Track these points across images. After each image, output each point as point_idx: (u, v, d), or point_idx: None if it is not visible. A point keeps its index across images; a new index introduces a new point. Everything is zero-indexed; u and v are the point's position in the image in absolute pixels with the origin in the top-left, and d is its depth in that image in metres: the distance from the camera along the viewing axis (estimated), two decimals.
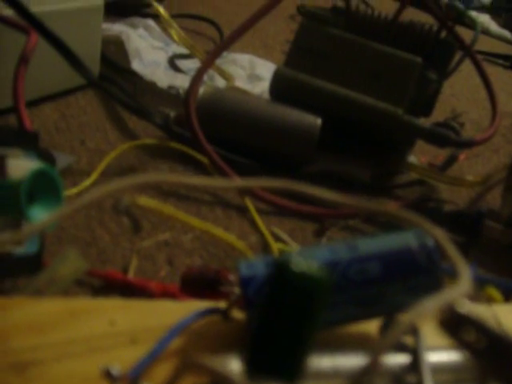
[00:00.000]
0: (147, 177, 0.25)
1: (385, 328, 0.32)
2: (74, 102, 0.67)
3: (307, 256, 0.32)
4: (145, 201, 0.43)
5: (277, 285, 0.17)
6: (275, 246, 0.47)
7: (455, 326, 0.20)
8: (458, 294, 0.20)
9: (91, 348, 0.31)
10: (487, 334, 0.19)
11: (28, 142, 0.38)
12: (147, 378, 0.28)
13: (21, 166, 0.33)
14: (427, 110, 0.66)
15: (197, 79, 0.58)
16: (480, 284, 0.42)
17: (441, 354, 0.31)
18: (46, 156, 0.39)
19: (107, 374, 0.27)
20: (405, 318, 0.19)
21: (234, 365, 0.26)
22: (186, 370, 0.22)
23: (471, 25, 1.03)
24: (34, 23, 0.52)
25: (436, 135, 0.60)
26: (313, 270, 0.17)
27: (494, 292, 0.41)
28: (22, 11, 0.52)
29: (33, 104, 0.62)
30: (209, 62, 0.60)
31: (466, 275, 0.21)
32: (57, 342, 0.31)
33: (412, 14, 0.71)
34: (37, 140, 0.39)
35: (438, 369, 0.30)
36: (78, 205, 0.26)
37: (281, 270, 0.17)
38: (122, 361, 0.30)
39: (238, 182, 0.29)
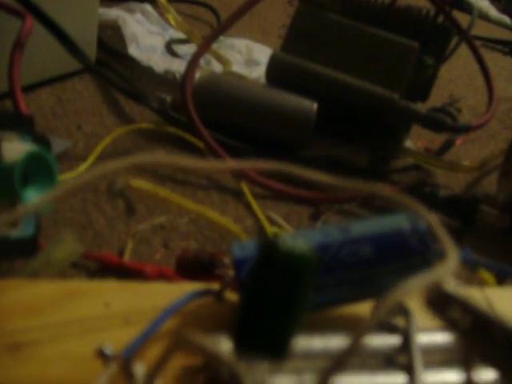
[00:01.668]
0: (142, 158, 0.25)
1: (376, 309, 0.32)
2: (71, 86, 0.67)
3: (299, 238, 0.32)
4: (138, 183, 0.44)
5: (264, 263, 0.17)
6: (270, 230, 0.47)
7: (441, 304, 0.21)
8: (444, 272, 0.20)
9: (86, 329, 0.31)
10: (472, 312, 0.20)
11: (23, 125, 0.38)
12: (140, 358, 0.29)
13: (15, 148, 0.33)
14: (424, 95, 0.66)
15: (193, 63, 0.58)
16: (473, 267, 0.42)
17: (431, 335, 0.31)
18: (42, 140, 0.39)
19: (101, 354, 0.27)
20: (391, 296, 0.19)
21: (225, 344, 0.27)
22: (177, 348, 0.22)
23: (469, 9, 1.03)
24: (29, 7, 0.51)
25: (432, 120, 0.60)
26: (300, 248, 0.17)
27: (486, 275, 0.42)
28: None
29: (29, 88, 0.62)
30: (205, 46, 0.60)
31: (453, 255, 0.22)
32: (52, 323, 0.32)
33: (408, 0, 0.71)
34: (32, 124, 0.39)
35: (429, 349, 0.30)
36: (72, 186, 0.26)
37: (268, 248, 0.17)
38: (115, 341, 0.30)
39: (233, 163, 0.30)
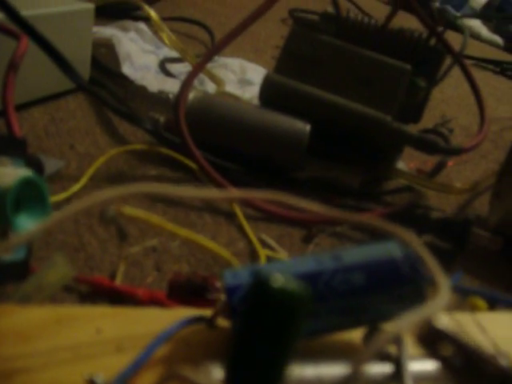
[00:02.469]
0: (138, 187, 0.25)
1: (368, 337, 0.32)
2: (64, 105, 0.67)
3: (291, 266, 0.32)
4: (131, 210, 0.44)
5: (255, 300, 0.17)
6: (263, 253, 0.47)
7: (432, 340, 0.21)
8: (437, 308, 0.20)
9: (77, 356, 0.31)
10: (463, 349, 0.20)
11: (16, 148, 0.38)
12: None
13: (8, 173, 0.33)
14: (416, 117, 0.66)
15: (187, 84, 0.58)
16: (464, 293, 0.42)
17: (423, 363, 0.31)
18: (34, 163, 0.39)
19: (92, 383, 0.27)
20: (384, 332, 0.19)
21: (218, 374, 0.27)
22: (169, 381, 0.22)
23: (461, 29, 1.04)
24: (24, 27, 0.52)
25: (425, 142, 0.60)
26: (292, 285, 0.17)
27: (478, 301, 0.42)
28: (13, 15, 0.52)
29: (22, 107, 0.62)
30: (199, 67, 0.61)
31: (444, 288, 0.22)
32: (43, 349, 0.31)
33: (403, 20, 0.71)
34: (25, 146, 0.39)
35: (421, 378, 0.30)
36: (65, 214, 0.26)
37: (259, 285, 0.17)
38: (107, 369, 0.30)
39: (230, 192, 0.30)
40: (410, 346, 0.29)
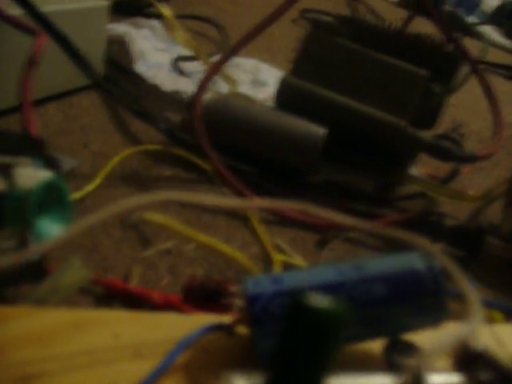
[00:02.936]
0: (165, 194, 0.25)
1: (389, 349, 0.32)
2: (77, 103, 0.67)
3: (311, 275, 0.32)
4: (153, 216, 0.43)
5: (293, 321, 0.17)
6: (277, 258, 0.47)
7: (469, 364, 0.20)
8: (472, 329, 0.20)
9: (94, 361, 0.31)
10: (502, 373, 0.19)
11: (33, 147, 0.38)
12: None
13: (29, 175, 0.33)
14: (430, 123, 0.66)
15: (203, 86, 0.57)
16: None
17: (443, 377, 0.31)
18: (52, 163, 0.38)
19: None
20: (425, 353, 0.19)
21: (238, 382, 0.26)
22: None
23: (473, 34, 1.03)
24: (42, 22, 0.51)
25: (439, 149, 0.60)
26: (330, 306, 0.17)
27: (494, 313, 0.41)
28: (31, 10, 0.52)
29: (35, 104, 0.62)
30: (216, 68, 0.60)
31: (477, 305, 0.21)
32: (60, 354, 0.31)
33: (418, 24, 0.71)
34: (42, 146, 0.39)
35: None
36: (88, 223, 0.26)
37: (297, 306, 0.17)
38: (125, 375, 0.30)
39: (253, 202, 0.29)
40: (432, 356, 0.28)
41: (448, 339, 0.19)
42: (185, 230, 0.45)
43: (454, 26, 0.68)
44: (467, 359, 0.20)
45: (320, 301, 0.17)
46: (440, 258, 0.26)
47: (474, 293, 0.23)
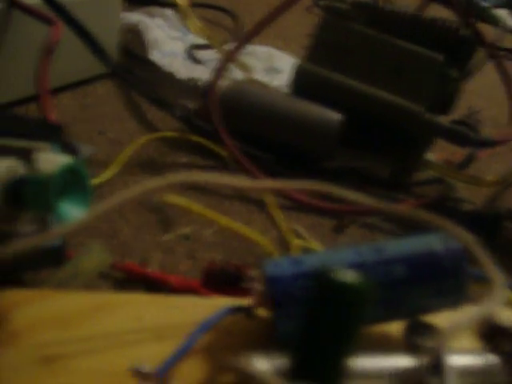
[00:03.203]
0: (181, 176, 0.25)
1: (410, 330, 0.32)
2: (93, 91, 0.67)
3: (331, 257, 0.32)
4: (174, 198, 0.44)
5: (319, 295, 0.17)
6: (294, 243, 0.47)
7: (492, 335, 0.20)
8: (494, 305, 0.20)
9: (117, 343, 0.31)
10: None
11: (53, 133, 0.38)
12: (174, 376, 0.28)
13: (49, 159, 0.33)
14: (447, 108, 0.65)
15: (218, 72, 0.57)
16: None
17: (464, 357, 0.31)
18: (70, 148, 0.39)
19: (135, 371, 0.27)
20: (444, 332, 0.19)
21: (263, 364, 0.27)
22: (219, 370, 0.22)
23: (489, 20, 1.02)
24: (58, 11, 0.52)
25: (457, 134, 0.59)
26: (355, 280, 0.17)
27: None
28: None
29: (51, 93, 0.62)
30: (230, 55, 0.60)
31: (499, 283, 0.21)
32: (82, 336, 0.31)
33: (434, 10, 0.70)
34: (61, 132, 0.39)
35: (463, 372, 0.30)
36: (110, 205, 0.26)
37: (323, 280, 0.17)
38: (147, 356, 0.30)
39: (271, 182, 0.29)
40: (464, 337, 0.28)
41: (470, 317, 0.19)
42: (206, 212, 0.45)
43: (470, 11, 0.67)
44: (491, 333, 0.20)
45: (346, 275, 0.17)
46: (463, 238, 0.26)
47: (496, 271, 0.23)
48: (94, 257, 0.37)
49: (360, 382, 0.28)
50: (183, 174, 0.25)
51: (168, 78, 0.71)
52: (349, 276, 0.17)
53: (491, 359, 0.30)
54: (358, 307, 0.17)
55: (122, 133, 0.59)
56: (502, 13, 1.51)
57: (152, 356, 0.30)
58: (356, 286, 0.17)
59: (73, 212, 0.31)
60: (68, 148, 0.39)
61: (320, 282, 0.17)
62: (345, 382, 0.18)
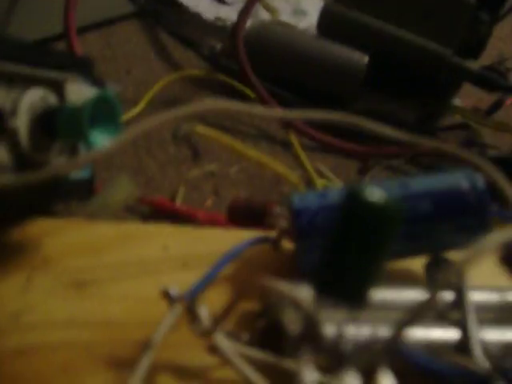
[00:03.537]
0: (203, 105, 0.25)
1: (431, 266, 0.33)
2: (119, 30, 0.67)
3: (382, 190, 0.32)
4: (203, 129, 0.44)
5: (348, 212, 0.17)
6: (319, 182, 0.48)
7: None
8: None
9: (145, 270, 0.32)
10: None
11: (82, 68, 0.38)
12: (201, 301, 0.29)
13: (79, 91, 0.33)
14: (476, 53, 0.64)
15: (245, 12, 0.57)
16: None
17: (484, 293, 0.31)
18: (100, 83, 0.39)
19: (165, 295, 0.28)
20: (466, 255, 0.19)
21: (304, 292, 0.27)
22: (243, 295, 0.23)
23: None
24: None
25: (485, 79, 0.59)
26: (385, 200, 0.17)
27: None
28: None
29: (78, 32, 0.62)
30: None
31: None
32: (112, 263, 0.32)
33: None
34: (91, 67, 0.39)
35: (482, 307, 0.30)
36: (133, 133, 0.26)
37: (353, 198, 0.17)
38: (174, 284, 0.31)
39: (291, 112, 0.30)
40: (481, 274, 0.29)
41: (497, 237, 0.20)
42: (234, 145, 0.45)
43: None
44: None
45: (375, 193, 0.17)
46: (491, 173, 0.26)
47: None
48: (122, 189, 0.38)
49: (380, 313, 0.28)
50: (206, 102, 0.25)
51: (195, 17, 0.70)
52: (377, 194, 0.17)
53: (510, 294, 0.31)
54: (385, 225, 0.17)
55: (149, 72, 0.59)
56: None
57: (179, 283, 0.31)
58: (384, 204, 0.17)
59: (104, 142, 0.31)
60: (98, 83, 0.39)
61: (348, 200, 0.17)
62: (368, 303, 0.18)
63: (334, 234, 0.18)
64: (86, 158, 0.29)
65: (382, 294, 0.30)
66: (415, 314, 0.19)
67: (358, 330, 0.24)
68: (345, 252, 0.17)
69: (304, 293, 0.21)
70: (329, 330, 0.22)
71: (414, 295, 0.31)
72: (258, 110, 0.26)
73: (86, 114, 0.29)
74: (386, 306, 0.30)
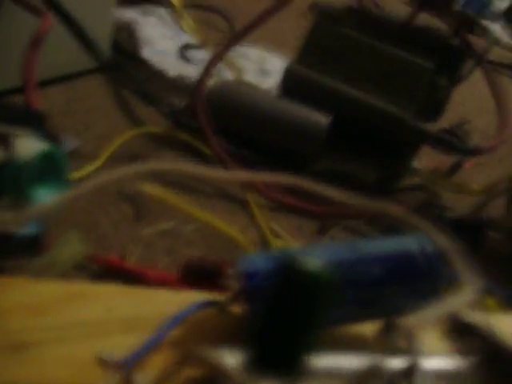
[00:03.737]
0: (154, 164, 0.25)
1: (384, 331, 0.32)
2: (82, 85, 0.67)
3: (309, 255, 0.32)
4: (150, 188, 0.43)
5: (283, 282, 0.17)
6: (274, 242, 0.47)
7: (460, 333, 0.20)
8: (463, 301, 0.20)
9: (88, 333, 0.31)
10: (492, 343, 0.19)
11: (35, 122, 0.38)
12: (142, 367, 0.28)
13: (28, 145, 0.33)
14: (435, 116, 0.66)
15: (207, 71, 0.57)
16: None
17: (437, 361, 0.31)
18: (53, 138, 0.38)
19: (102, 360, 0.27)
20: (408, 323, 0.19)
21: (231, 358, 0.26)
22: (185, 362, 0.22)
23: (483, 34, 1.03)
24: (49, 3, 0.51)
25: (443, 141, 0.60)
26: (318, 268, 0.17)
27: (489, 301, 0.41)
28: None
29: (39, 85, 0.62)
30: (220, 54, 0.60)
31: (470, 282, 0.21)
32: (54, 324, 0.31)
33: (425, 19, 0.70)
34: (44, 121, 0.39)
35: (434, 375, 0.30)
36: (83, 190, 0.26)
37: (287, 268, 0.17)
38: (117, 347, 0.30)
39: (245, 174, 0.29)
40: (430, 340, 0.28)
41: (438, 309, 0.19)
42: (183, 205, 0.45)
43: (463, 23, 0.68)
44: (458, 330, 0.20)
45: (309, 263, 0.17)
46: (436, 237, 0.26)
47: (468, 272, 0.23)
48: (71, 246, 0.37)
49: (331, 381, 0.27)
50: (154, 163, 0.25)
51: (158, 75, 0.70)
52: (311, 264, 0.17)
53: (462, 362, 0.30)
54: (318, 295, 0.17)
55: (109, 127, 0.59)
56: (495, 27, 1.53)
57: (121, 347, 0.29)
58: (317, 273, 0.16)
59: (49, 198, 0.31)
60: (51, 138, 0.38)
61: (285, 269, 0.17)
62: (305, 375, 0.18)
63: (269, 302, 0.17)
64: (27, 214, 0.28)
65: (333, 361, 0.29)
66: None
67: None
68: (278, 320, 0.17)
69: (235, 361, 0.20)
70: None
71: (359, 362, 0.30)
72: (205, 172, 0.25)
73: (28, 173, 0.28)
74: (337, 374, 0.29)
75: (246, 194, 0.52)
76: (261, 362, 0.17)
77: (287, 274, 0.17)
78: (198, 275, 0.40)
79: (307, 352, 0.17)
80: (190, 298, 0.33)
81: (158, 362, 0.29)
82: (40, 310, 0.32)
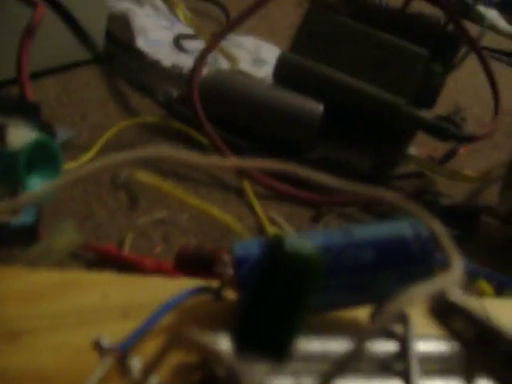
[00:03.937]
0: (146, 151, 0.25)
1: (375, 315, 0.32)
2: (77, 76, 0.67)
3: (305, 240, 0.32)
4: (143, 176, 0.43)
5: (269, 263, 0.17)
6: (271, 230, 0.47)
7: (444, 314, 0.20)
8: (448, 282, 0.20)
9: (83, 320, 0.31)
10: (476, 323, 0.20)
11: (29, 112, 0.38)
12: (136, 353, 0.28)
13: (21, 135, 0.33)
14: (430, 103, 0.66)
15: (201, 59, 0.57)
16: (472, 277, 0.42)
17: (430, 344, 0.31)
18: (47, 128, 0.39)
19: (97, 346, 0.27)
20: (393, 304, 0.19)
21: (223, 342, 0.27)
22: (174, 344, 0.22)
23: (478, 20, 1.03)
24: None
25: (437, 128, 0.60)
26: (306, 250, 0.17)
27: (484, 285, 0.41)
28: None
29: (34, 76, 0.62)
30: (214, 43, 0.60)
31: (457, 264, 0.22)
32: (49, 312, 0.31)
33: (420, 6, 0.70)
34: (38, 111, 0.39)
35: (426, 358, 0.30)
36: (74, 176, 0.26)
37: (274, 248, 0.17)
38: (112, 334, 0.30)
39: (238, 161, 0.29)
40: (422, 323, 0.29)
41: (423, 289, 0.19)
42: (174, 191, 0.45)
43: (458, 9, 0.68)
44: (443, 309, 0.20)
45: (297, 243, 0.17)
46: (428, 222, 0.26)
47: (455, 252, 0.23)
48: (66, 236, 0.37)
49: (320, 364, 0.28)
50: (148, 150, 0.25)
51: (153, 65, 0.70)
52: (299, 244, 0.17)
53: (452, 346, 0.30)
54: (306, 275, 0.17)
55: (104, 117, 0.59)
56: (492, 13, 1.52)
57: (116, 333, 0.30)
58: (305, 255, 0.17)
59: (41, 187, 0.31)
60: (45, 128, 0.38)
61: (271, 250, 0.17)
62: (293, 358, 0.18)
63: (255, 284, 0.17)
64: (18, 202, 0.28)
65: (314, 345, 0.29)
66: (341, 365, 0.18)
67: (281, 383, 0.24)
68: (265, 302, 0.17)
69: (224, 344, 0.20)
70: (250, 382, 0.22)
71: (349, 346, 0.30)
72: (197, 158, 0.25)
73: (21, 160, 0.28)
74: (328, 358, 0.29)
75: (241, 182, 0.53)
76: (246, 343, 0.17)
77: (274, 254, 0.17)
78: (192, 263, 0.40)
79: (295, 335, 0.18)
80: (185, 285, 0.33)
81: (151, 348, 0.29)
82: (35, 298, 0.32)
